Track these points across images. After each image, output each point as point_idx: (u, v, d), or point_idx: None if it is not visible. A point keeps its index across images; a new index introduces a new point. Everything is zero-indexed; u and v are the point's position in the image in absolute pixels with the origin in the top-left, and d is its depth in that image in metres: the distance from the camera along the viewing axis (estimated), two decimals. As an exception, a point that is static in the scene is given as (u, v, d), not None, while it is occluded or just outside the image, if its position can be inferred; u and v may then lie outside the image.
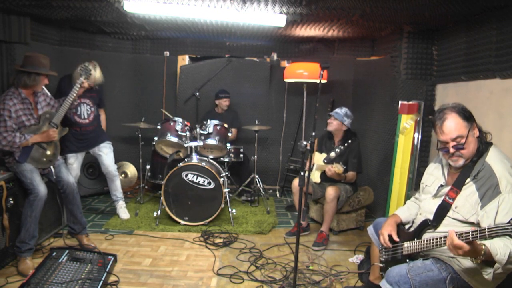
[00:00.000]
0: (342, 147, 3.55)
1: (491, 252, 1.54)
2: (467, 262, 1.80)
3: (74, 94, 3.07)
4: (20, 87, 2.82)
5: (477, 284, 1.80)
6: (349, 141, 3.57)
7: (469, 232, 1.54)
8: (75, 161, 3.72)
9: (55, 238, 3.36)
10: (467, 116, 1.84)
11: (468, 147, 1.84)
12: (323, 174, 3.59)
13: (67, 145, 3.63)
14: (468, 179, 1.84)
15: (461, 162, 1.87)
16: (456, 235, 1.57)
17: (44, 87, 3.01)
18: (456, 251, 1.56)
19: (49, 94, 3.13)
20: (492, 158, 1.82)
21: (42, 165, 2.94)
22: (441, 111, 1.89)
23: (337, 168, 3.23)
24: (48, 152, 2.96)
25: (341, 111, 3.60)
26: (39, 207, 2.79)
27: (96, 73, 3.45)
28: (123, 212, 3.95)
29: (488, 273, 1.61)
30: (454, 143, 1.84)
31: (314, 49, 5.07)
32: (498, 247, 1.55)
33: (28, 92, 2.87)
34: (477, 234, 1.53)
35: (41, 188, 2.80)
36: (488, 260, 1.58)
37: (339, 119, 3.56)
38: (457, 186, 1.87)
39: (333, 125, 3.61)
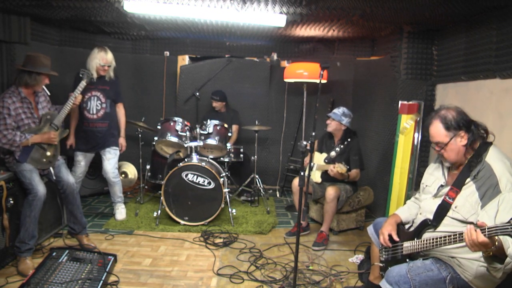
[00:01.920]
0: (342, 146, 3.58)
1: (503, 244, 1.51)
2: (467, 263, 1.80)
3: (75, 97, 3.10)
4: (21, 86, 2.82)
5: (477, 283, 1.80)
6: (349, 140, 3.59)
7: (485, 229, 1.49)
8: (83, 159, 3.71)
9: (55, 238, 3.36)
10: (449, 125, 1.89)
11: (449, 154, 1.92)
12: (324, 174, 3.59)
13: (76, 143, 3.62)
14: (468, 179, 1.85)
15: (447, 163, 2.00)
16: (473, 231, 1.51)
17: (45, 88, 3.01)
18: (478, 248, 1.52)
19: (47, 97, 3.12)
20: (492, 157, 1.82)
21: (42, 166, 2.94)
22: (432, 113, 2.00)
23: (340, 168, 3.23)
24: (48, 153, 2.96)
25: (339, 111, 3.61)
26: (38, 207, 2.79)
27: (109, 54, 3.57)
28: (119, 212, 3.93)
29: (497, 269, 1.58)
30: (437, 146, 1.96)
31: (314, 49, 5.07)
32: (510, 241, 1.51)
33: (28, 92, 2.87)
34: None
35: (40, 188, 2.80)
36: (497, 255, 1.55)
37: (336, 119, 3.57)
38: (457, 186, 1.88)
39: (331, 125, 3.63)
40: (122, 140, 3.91)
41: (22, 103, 2.82)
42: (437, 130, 1.92)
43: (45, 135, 2.90)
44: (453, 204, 1.88)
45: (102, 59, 3.52)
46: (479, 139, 1.91)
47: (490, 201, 1.72)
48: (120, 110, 3.91)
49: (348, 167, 3.32)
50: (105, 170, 3.76)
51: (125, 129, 4.84)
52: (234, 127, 4.81)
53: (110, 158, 3.75)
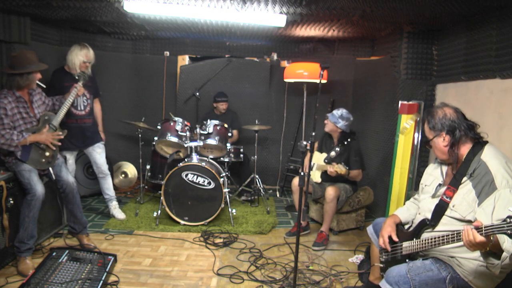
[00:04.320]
0: (341, 146, 3.57)
1: (498, 239, 1.52)
2: (467, 262, 1.80)
3: (72, 99, 3.14)
4: (13, 88, 2.81)
5: (477, 283, 1.80)
6: (348, 140, 3.58)
7: (481, 228, 1.49)
8: (70, 157, 3.72)
9: (55, 238, 3.36)
10: (431, 126, 2.00)
11: (435, 150, 2.03)
12: (324, 174, 3.59)
13: (63, 142, 3.62)
14: (465, 178, 1.85)
15: (439, 159, 2.09)
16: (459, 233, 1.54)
17: (39, 82, 2.99)
18: (476, 247, 1.53)
19: (43, 94, 3.13)
20: (487, 155, 1.83)
21: (41, 166, 2.94)
22: (431, 107, 2.10)
23: (339, 168, 3.23)
24: (47, 153, 2.96)
25: (337, 112, 3.58)
26: (36, 207, 2.79)
27: (91, 51, 3.61)
28: (118, 212, 3.95)
29: (495, 265, 1.58)
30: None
31: (314, 49, 5.07)
32: (505, 236, 1.49)
33: (22, 91, 2.87)
34: None
35: (39, 188, 2.80)
36: (494, 252, 1.56)
37: (332, 121, 3.56)
38: (454, 185, 1.88)
39: (328, 126, 3.63)
40: (102, 134, 3.99)
41: (17, 102, 2.81)
42: (425, 126, 2.04)
43: (43, 135, 2.90)
44: (450, 203, 1.88)
45: (85, 56, 3.57)
46: (468, 142, 1.91)
47: (486, 198, 1.72)
48: (97, 105, 3.99)
49: (347, 168, 3.31)
50: (99, 163, 3.81)
51: (124, 128, 4.88)
52: (235, 132, 4.80)
53: (101, 152, 3.83)
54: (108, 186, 3.92)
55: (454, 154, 1.93)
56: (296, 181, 3.49)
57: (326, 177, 3.55)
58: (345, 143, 3.59)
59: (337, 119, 3.55)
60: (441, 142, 1.96)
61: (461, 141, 1.91)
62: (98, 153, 3.80)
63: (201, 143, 3.99)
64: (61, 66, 3.65)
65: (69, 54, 3.58)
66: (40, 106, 3.01)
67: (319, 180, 3.67)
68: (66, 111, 3.09)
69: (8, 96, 2.75)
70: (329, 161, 3.60)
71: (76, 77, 3.25)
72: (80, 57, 3.54)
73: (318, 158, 3.73)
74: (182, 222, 3.79)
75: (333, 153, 3.61)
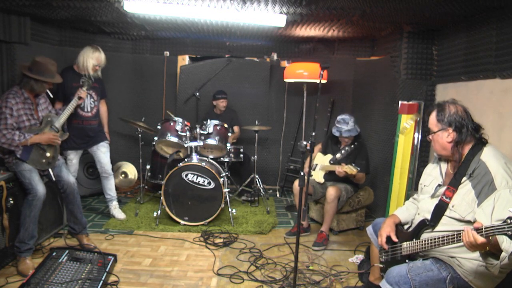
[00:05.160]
0: (348, 148, 3.55)
1: (497, 239, 1.51)
2: (467, 263, 1.80)
3: (75, 104, 3.17)
4: (25, 89, 2.84)
5: (477, 283, 1.80)
6: (356, 143, 3.57)
7: (482, 229, 1.49)
8: (74, 156, 3.72)
9: (55, 238, 3.36)
10: (441, 118, 1.97)
11: (435, 144, 2.01)
12: (327, 175, 3.59)
13: (67, 141, 3.62)
14: (464, 178, 1.85)
15: (435, 153, 2.10)
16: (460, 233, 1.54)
17: (48, 91, 3.05)
18: (477, 248, 1.53)
19: (48, 99, 3.14)
20: (487, 155, 1.83)
21: (41, 167, 2.94)
22: (441, 101, 2.07)
23: (350, 169, 3.20)
24: (48, 154, 2.96)
25: (349, 126, 3.51)
26: (37, 207, 2.79)
27: (102, 54, 3.61)
28: (119, 212, 3.96)
29: (494, 265, 1.58)
30: (429, 132, 2.05)
31: (314, 49, 5.07)
32: (504, 236, 1.49)
33: (31, 94, 2.90)
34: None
35: (40, 188, 2.80)
36: (493, 252, 1.56)
37: (353, 135, 3.53)
38: (454, 185, 1.89)
39: (350, 140, 3.59)
40: (107, 136, 3.99)
41: (24, 103, 2.84)
42: (432, 117, 2.02)
43: (45, 136, 2.90)
44: (450, 203, 1.88)
45: (97, 60, 3.57)
46: (470, 142, 1.91)
47: (486, 199, 1.72)
48: (103, 106, 3.98)
49: (358, 168, 3.29)
50: (103, 163, 3.81)
51: (124, 128, 4.86)
52: (236, 128, 4.83)
53: (105, 152, 3.82)
54: (110, 186, 3.93)
55: (458, 153, 1.92)
56: (297, 183, 3.48)
57: (330, 177, 3.55)
58: (352, 146, 3.57)
59: (355, 131, 3.52)
60: (445, 137, 1.95)
61: (466, 141, 1.91)
62: (103, 152, 3.80)
63: (201, 143, 3.99)
64: (70, 65, 3.63)
65: (80, 55, 3.55)
66: (43, 110, 3.05)
67: (322, 180, 3.66)
68: (69, 114, 3.13)
69: (16, 97, 2.78)
70: (334, 162, 3.59)
71: (81, 82, 3.26)
72: (91, 60, 3.53)
73: (322, 159, 3.72)
74: (182, 222, 3.79)
75: (338, 155, 3.58)
